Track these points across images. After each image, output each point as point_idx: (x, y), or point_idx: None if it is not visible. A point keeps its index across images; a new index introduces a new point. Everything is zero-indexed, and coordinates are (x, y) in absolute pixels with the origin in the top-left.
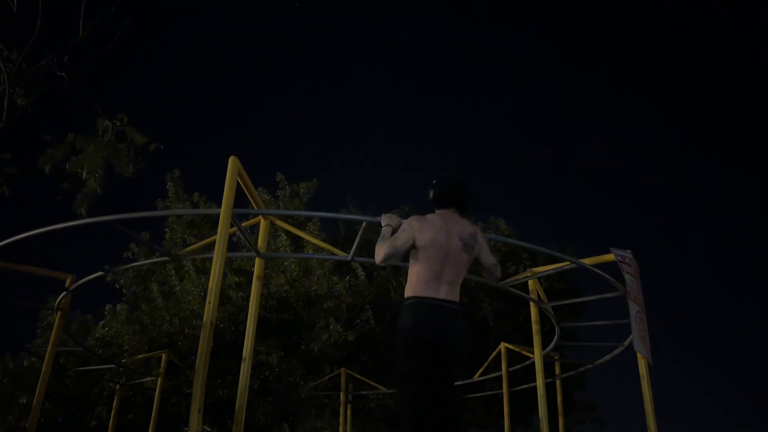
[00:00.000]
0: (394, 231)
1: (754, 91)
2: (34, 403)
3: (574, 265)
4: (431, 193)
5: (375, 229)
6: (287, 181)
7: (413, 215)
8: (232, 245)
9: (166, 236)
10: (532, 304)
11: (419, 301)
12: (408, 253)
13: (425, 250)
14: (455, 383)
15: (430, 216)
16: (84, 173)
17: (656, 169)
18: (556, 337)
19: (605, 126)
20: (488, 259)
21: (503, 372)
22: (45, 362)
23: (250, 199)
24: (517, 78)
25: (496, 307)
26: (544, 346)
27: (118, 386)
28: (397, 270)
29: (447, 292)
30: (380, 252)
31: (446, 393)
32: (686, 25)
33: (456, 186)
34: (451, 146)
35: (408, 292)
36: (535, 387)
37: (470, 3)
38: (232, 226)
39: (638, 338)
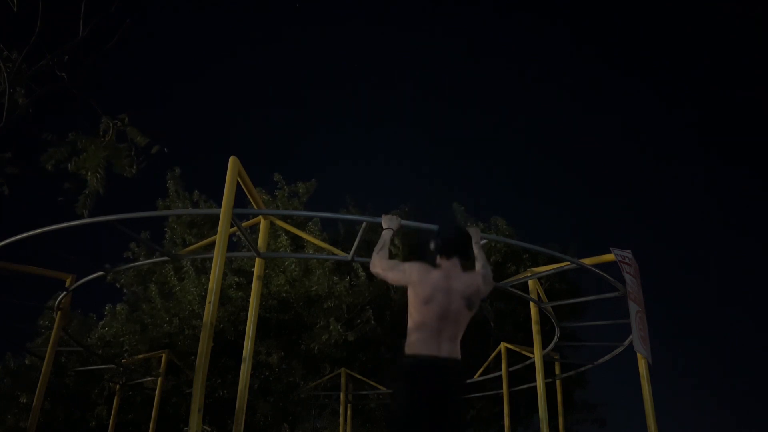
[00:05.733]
0: (395, 233)
1: (757, 88)
2: (34, 403)
3: (574, 265)
4: (432, 244)
5: (375, 230)
6: (285, 181)
7: (418, 262)
8: (232, 245)
9: (167, 236)
10: (532, 304)
11: (420, 360)
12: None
13: (423, 306)
14: None
15: (433, 271)
16: (88, 174)
17: (657, 169)
18: (556, 337)
19: (607, 125)
20: (489, 287)
21: (503, 372)
22: (45, 362)
23: (251, 199)
24: (519, 77)
25: (496, 307)
26: (544, 346)
27: (118, 386)
28: None
29: (449, 349)
30: (376, 265)
31: None
32: (689, 18)
33: (459, 235)
34: (452, 145)
35: (408, 349)
36: (535, 387)
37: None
38: (232, 226)
39: (638, 338)
